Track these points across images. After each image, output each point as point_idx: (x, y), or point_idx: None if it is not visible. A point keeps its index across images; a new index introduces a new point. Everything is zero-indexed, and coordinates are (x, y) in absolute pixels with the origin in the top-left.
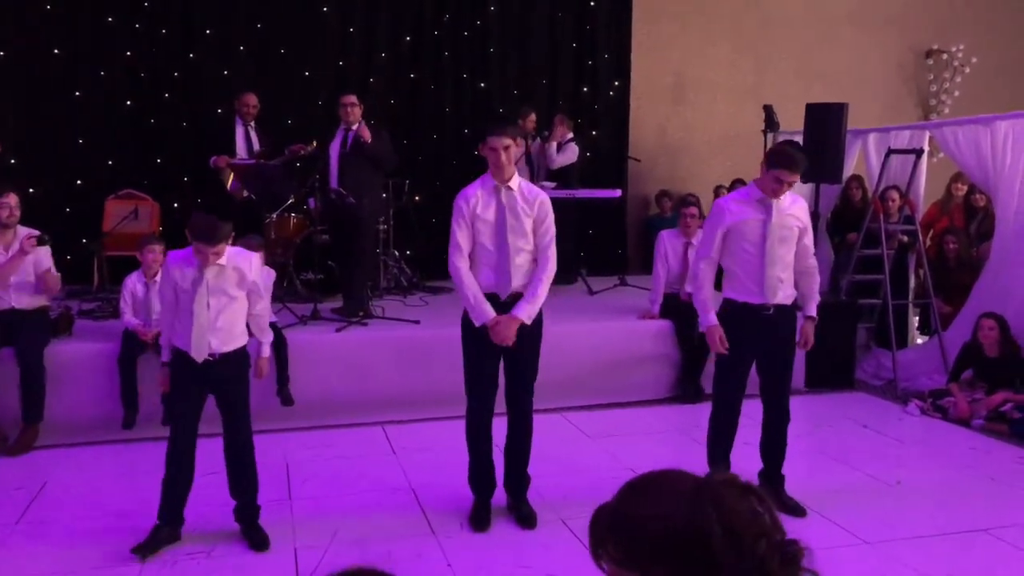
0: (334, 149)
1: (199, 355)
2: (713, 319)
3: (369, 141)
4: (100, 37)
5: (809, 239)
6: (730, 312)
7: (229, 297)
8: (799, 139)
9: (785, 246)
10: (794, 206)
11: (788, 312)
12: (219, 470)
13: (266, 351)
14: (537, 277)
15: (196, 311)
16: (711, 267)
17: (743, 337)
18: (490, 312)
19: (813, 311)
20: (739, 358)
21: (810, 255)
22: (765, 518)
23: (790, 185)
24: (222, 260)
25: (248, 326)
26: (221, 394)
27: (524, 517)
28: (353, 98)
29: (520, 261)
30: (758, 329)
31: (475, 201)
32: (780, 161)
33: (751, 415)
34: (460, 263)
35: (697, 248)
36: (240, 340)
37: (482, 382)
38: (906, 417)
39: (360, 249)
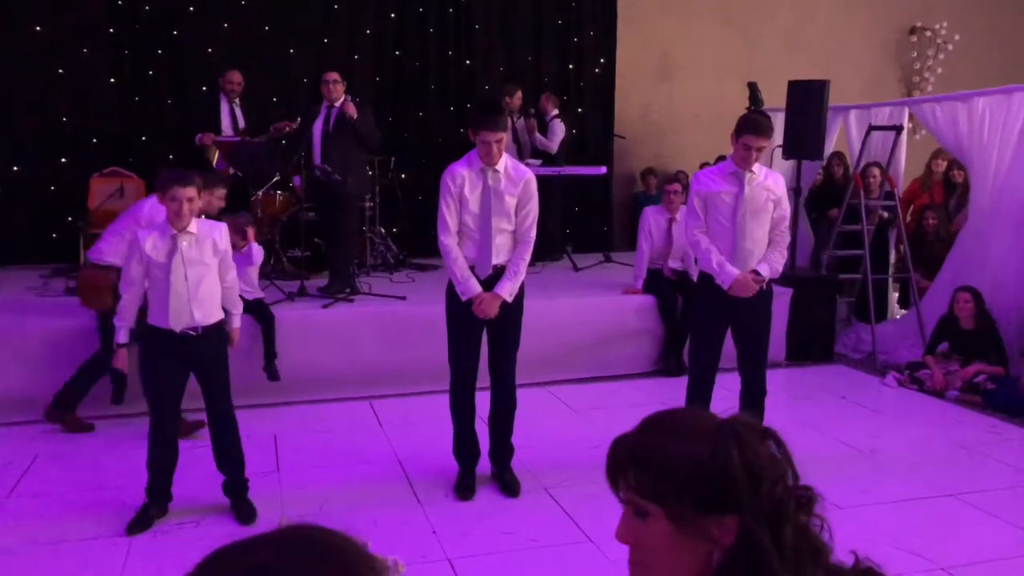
0: (317, 127)
1: (177, 325)
2: (733, 270)
3: (355, 116)
4: (82, 14)
5: (783, 212)
6: (705, 285)
7: (205, 266)
8: (782, 116)
9: (757, 219)
10: (768, 179)
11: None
12: (206, 444)
13: (236, 322)
14: (518, 256)
15: (173, 281)
16: (705, 233)
17: (717, 309)
18: (476, 288)
19: (759, 268)
20: (713, 331)
21: (781, 227)
22: (783, 462)
23: (759, 151)
24: (193, 228)
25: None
26: (202, 371)
27: (507, 485)
28: (336, 75)
29: (501, 241)
30: (732, 301)
31: (461, 180)
32: (745, 126)
33: (731, 387)
34: (448, 239)
35: (686, 223)
36: (219, 314)
37: (465, 354)
38: (884, 389)
39: (345, 227)
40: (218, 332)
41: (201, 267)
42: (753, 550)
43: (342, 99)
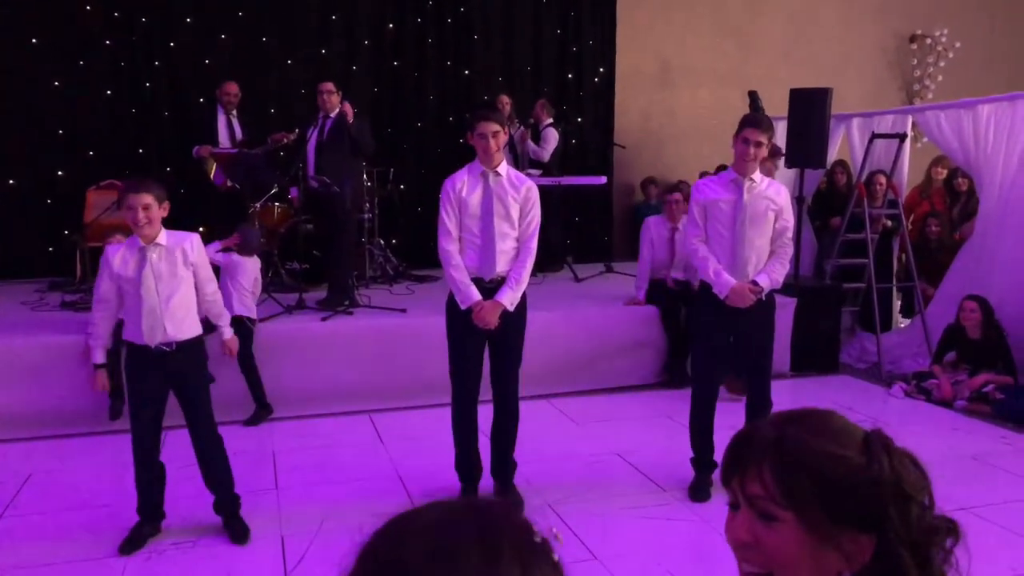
0: (311, 137)
1: (152, 340)
2: (730, 279)
3: (351, 119)
4: (79, 26)
5: (785, 223)
6: (705, 294)
7: (176, 278)
8: (783, 124)
9: (756, 228)
10: (769, 189)
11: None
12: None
13: (227, 333)
14: (520, 264)
15: (144, 295)
16: (704, 242)
17: (718, 320)
18: (475, 295)
19: (758, 279)
20: (714, 341)
21: (783, 237)
22: (927, 486)
23: (757, 146)
24: (162, 240)
25: (206, 314)
26: (181, 389)
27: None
28: (331, 85)
29: (504, 247)
30: (732, 311)
31: (461, 186)
32: (744, 121)
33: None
34: (449, 245)
35: (687, 232)
36: (195, 329)
37: (466, 366)
38: (890, 399)
39: (342, 238)
40: (195, 347)
41: (172, 280)
42: (893, 574)
43: (336, 109)
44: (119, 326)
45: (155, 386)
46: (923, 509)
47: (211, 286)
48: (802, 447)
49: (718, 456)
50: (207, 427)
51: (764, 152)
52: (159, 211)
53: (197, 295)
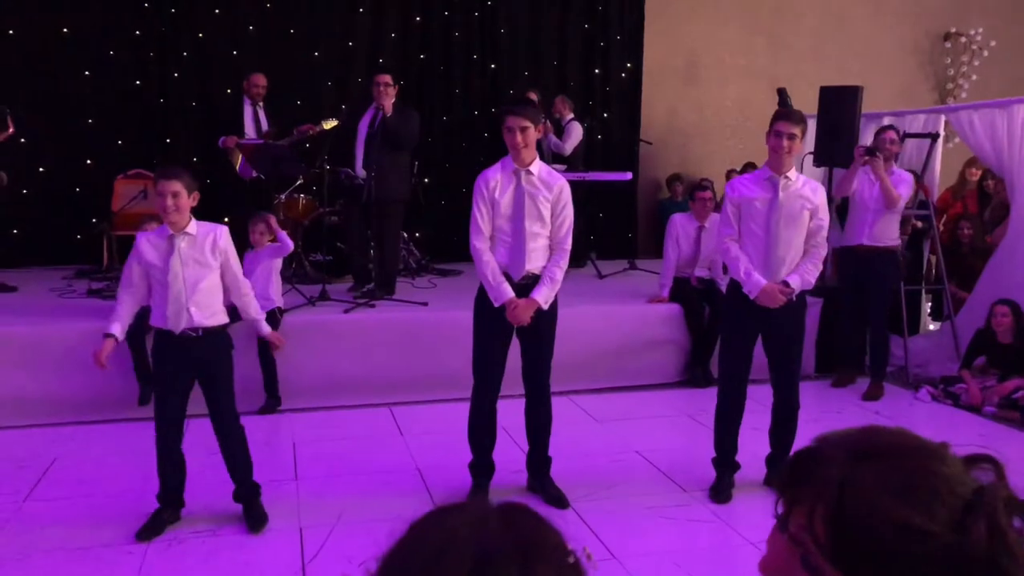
0: (363, 127)
1: (176, 326)
2: (761, 280)
3: (389, 112)
4: (109, 16)
5: (820, 222)
6: (735, 293)
7: (203, 267)
8: (813, 123)
9: (792, 228)
10: (805, 187)
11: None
12: None
13: (265, 328)
14: (554, 263)
15: (171, 281)
16: (736, 242)
17: (747, 319)
18: (509, 292)
19: (789, 280)
20: (743, 340)
21: (817, 236)
22: None
23: (790, 139)
24: (191, 229)
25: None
26: (204, 375)
27: (555, 498)
28: (388, 78)
29: (535, 245)
30: (762, 311)
31: (494, 184)
32: (777, 115)
33: (762, 400)
34: (480, 243)
35: (719, 230)
36: (220, 318)
37: (490, 364)
38: (917, 403)
39: (389, 229)
40: (220, 335)
41: (199, 267)
42: None
43: (390, 109)
44: (147, 312)
45: (180, 372)
46: None
47: (244, 286)
48: (872, 505)
49: (741, 457)
50: (229, 416)
51: (798, 145)
52: (188, 200)
53: (230, 290)
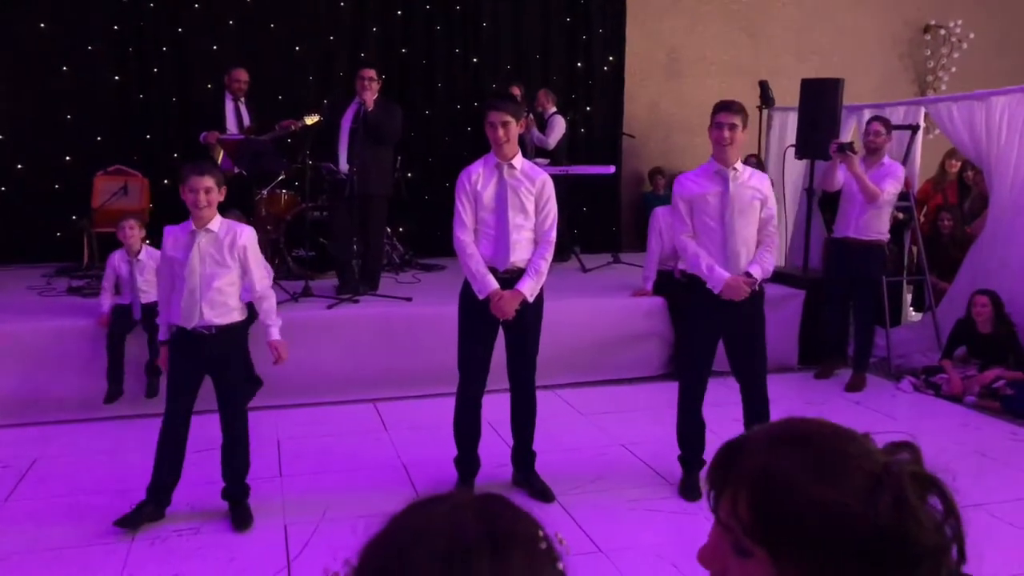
0: (346, 122)
1: (188, 322)
2: (724, 273)
3: (371, 108)
4: (86, 11)
5: (770, 211)
6: (694, 290)
7: (220, 266)
8: (794, 115)
9: (745, 219)
10: (753, 179)
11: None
12: (211, 448)
13: (275, 334)
14: (539, 255)
15: (187, 277)
16: (692, 237)
17: (707, 315)
18: (493, 284)
19: (751, 270)
20: (707, 336)
21: (769, 227)
22: (947, 530)
23: (732, 129)
24: (213, 226)
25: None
26: (217, 373)
27: (540, 492)
28: (372, 72)
29: (518, 237)
30: (722, 307)
31: (476, 178)
32: (716, 106)
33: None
34: (464, 236)
35: (674, 228)
36: (235, 315)
37: (475, 359)
38: (899, 394)
39: (374, 224)
40: (235, 333)
41: (216, 266)
42: None
43: (373, 104)
44: (128, 311)
45: (191, 368)
46: (936, 569)
47: (263, 286)
48: (789, 485)
49: (708, 454)
50: (239, 415)
51: (740, 135)
52: (217, 195)
53: (249, 291)
